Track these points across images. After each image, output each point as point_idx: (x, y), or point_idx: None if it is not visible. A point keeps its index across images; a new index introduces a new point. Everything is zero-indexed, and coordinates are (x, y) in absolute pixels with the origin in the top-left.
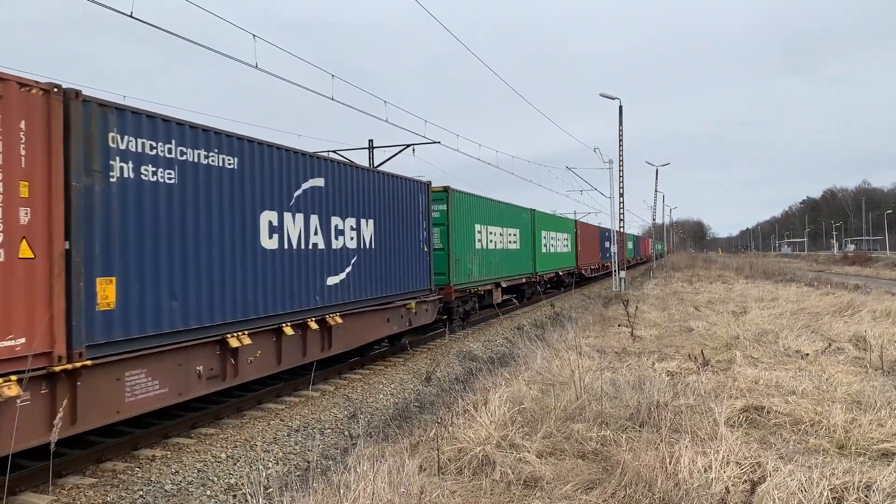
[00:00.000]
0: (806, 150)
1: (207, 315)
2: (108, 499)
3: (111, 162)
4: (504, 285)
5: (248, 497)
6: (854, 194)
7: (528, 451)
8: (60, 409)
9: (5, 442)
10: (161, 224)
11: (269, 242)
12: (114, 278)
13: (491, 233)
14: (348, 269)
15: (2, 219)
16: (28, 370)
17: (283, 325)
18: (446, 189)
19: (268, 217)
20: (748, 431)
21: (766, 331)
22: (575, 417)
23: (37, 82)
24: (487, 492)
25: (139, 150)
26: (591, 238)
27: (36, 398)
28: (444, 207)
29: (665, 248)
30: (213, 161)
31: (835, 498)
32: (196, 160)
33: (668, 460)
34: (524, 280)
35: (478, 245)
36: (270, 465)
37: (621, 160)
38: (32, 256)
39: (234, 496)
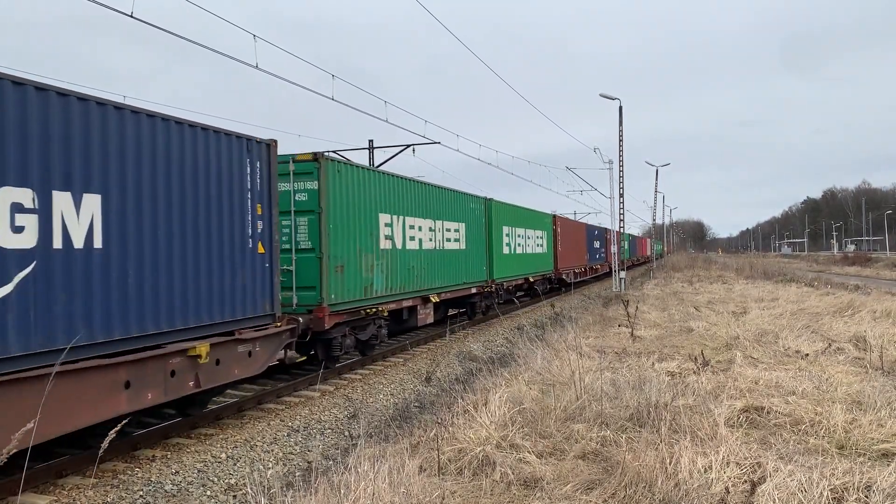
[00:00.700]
0: (806, 150)
1: None
2: (108, 499)
3: None
4: (437, 299)
5: (250, 497)
6: (854, 194)
7: (529, 452)
8: None
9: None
10: None
11: None
12: None
13: (411, 226)
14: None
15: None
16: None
17: None
18: (317, 158)
19: None
20: (748, 432)
21: (766, 331)
22: (575, 418)
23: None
24: (487, 492)
25: None
26: (574, 236)
27: None
28: (314, 185)
29: (664, 249)
30: None
31: (835, 498)
32: None
33: (668, 461)
34: (474, 290)
35: (384, 244)
36: (271, 465)
37: (621, 160)
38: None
39: (235, 496)
